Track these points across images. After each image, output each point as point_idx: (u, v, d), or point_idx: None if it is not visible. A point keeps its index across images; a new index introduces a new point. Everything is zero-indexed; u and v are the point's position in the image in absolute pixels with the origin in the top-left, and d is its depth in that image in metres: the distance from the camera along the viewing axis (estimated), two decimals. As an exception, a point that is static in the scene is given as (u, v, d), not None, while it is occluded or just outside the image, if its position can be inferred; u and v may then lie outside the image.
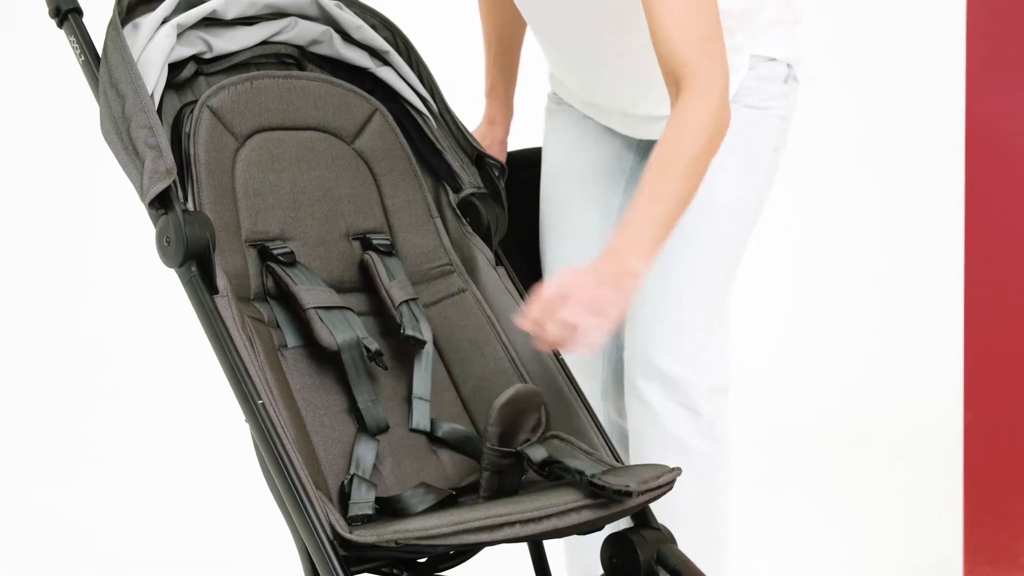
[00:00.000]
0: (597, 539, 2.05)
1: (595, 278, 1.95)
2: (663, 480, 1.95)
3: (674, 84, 2.04)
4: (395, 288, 2.11)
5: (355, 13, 2.22)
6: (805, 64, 2.39)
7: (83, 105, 2.44)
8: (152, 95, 1.98)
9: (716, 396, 2.33)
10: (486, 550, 1.91)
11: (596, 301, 1.93)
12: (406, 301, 2.11)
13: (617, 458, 2.06)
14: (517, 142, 2.54)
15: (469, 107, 2.46)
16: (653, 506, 2.02)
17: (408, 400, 2.11)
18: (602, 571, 2.01)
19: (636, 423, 2.33)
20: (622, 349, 2.43)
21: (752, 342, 4.49)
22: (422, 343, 2.10)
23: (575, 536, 2.21)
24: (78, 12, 2.07)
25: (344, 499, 1.96)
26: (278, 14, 2.17)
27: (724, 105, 2.04)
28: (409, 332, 2.08)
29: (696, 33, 2.03)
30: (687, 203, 2.04)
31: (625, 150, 2.43)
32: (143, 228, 2.13)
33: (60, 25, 2.08)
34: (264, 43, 2.17)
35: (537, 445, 1.95)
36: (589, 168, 2.44)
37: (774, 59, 2.33)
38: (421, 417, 2.10)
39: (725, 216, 2.30)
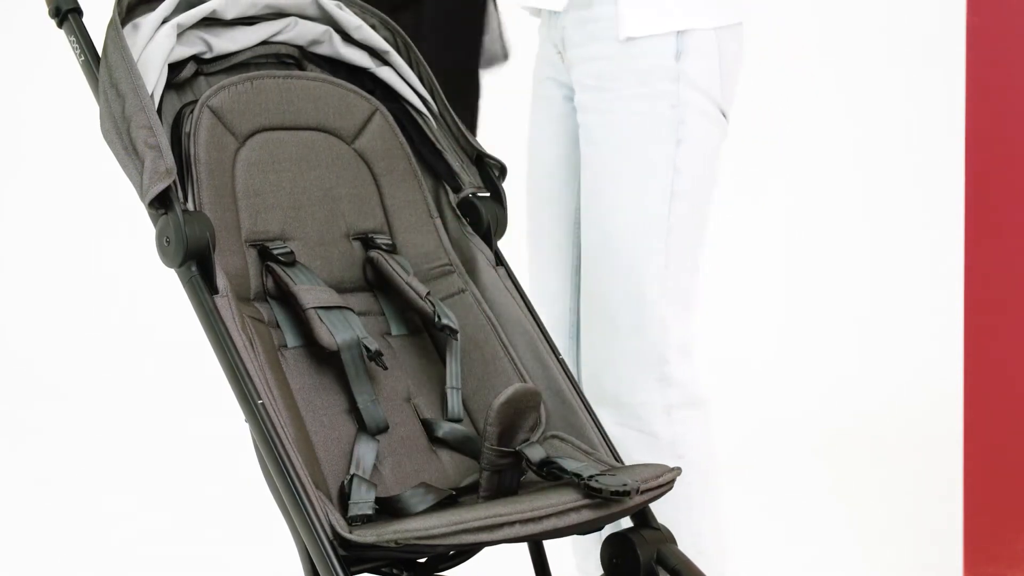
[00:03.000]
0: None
1: None
2: (662, 480, 1.95)
3: None
4: (415, 282, 2.12)
5: (355, 13, 2.22)
6: (709, 30, 2.21)
7: (83, 105, 2.44)
8: (152, 95, 1.98)
9: (679, 413, 2.28)
10: (486, 550, 1.91)
11: None
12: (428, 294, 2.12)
13: (617, 458, 2.06)
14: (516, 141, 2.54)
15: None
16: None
17: (408, 400, 2.11)
18: (602, 571, 2.01)
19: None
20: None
21: (750, 342, 4.49)
22: (455, 332, 2.11)
23: (581, 536, 2.21)
24: (78, 12, 2.07)
25: (344, 499, 1.96)
26: (278, 14, 2.17)
27: None
28: (445, 321, 2.10)
29: None
30: None
31: (572, 146, 2.38)
32: (143, 228, 2.13)
33: (60, 25, 2.08)
34: (264, 43, 2.17)
35: (536, 445, 1.95)
36: (542, 165, 2.42)
37: (652, 34, 2.19)
38: (456, 406, 2.11)
39: (637, 228, 2.23)
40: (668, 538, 2.00)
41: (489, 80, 2.43)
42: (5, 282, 4.69)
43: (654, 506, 2.03)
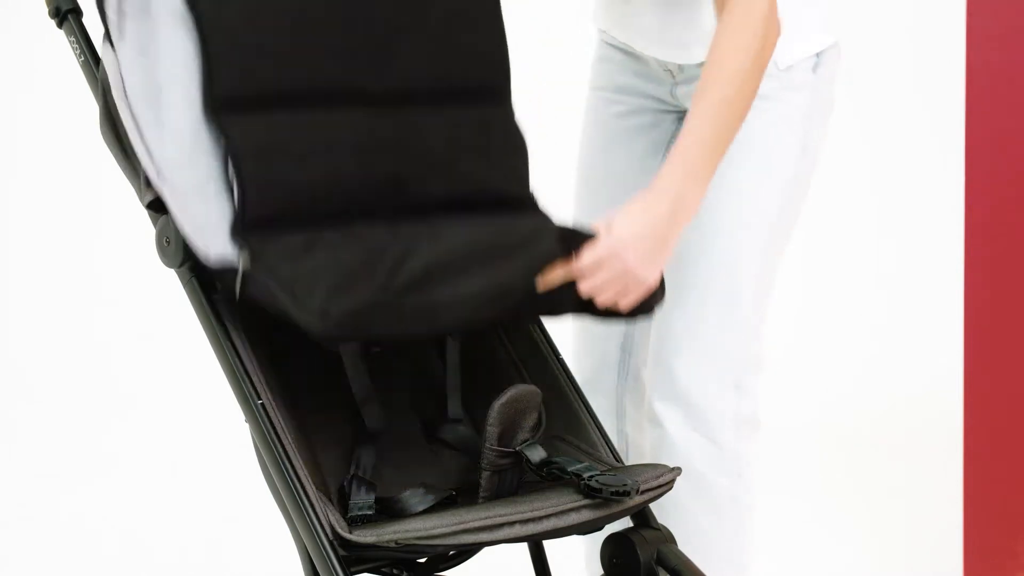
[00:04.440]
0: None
1: (647, 221, 1.89)
2: (662, 480, 1.95)
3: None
4: None
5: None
6: (837, 56, 2.28)
7: (82, 105, 2.44)
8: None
9: (745, 429, 2.22)
10: (486, 550, 1.91)
11: (650, 249, 1.88)
12: None
13: (617, 458, 2.06)
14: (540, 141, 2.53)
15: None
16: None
17: (408, 400, 2.11)
18: (602, 571, 2.01)
19: (651, 447, 2.24)
20: (632, 355, 2.40)
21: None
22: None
23: (590, 536, 2.20)
24: (78, 12, 2.07)
25: (344, 499, 1.96)
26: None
27: (774, 12, 1.96)
28: None
29: None
30: (741, 118, 1.95)
31: (652, 155, 2.36)
32: (143, 228, 2.13)
33: (60, 25, 2.08)
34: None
35: (536, 445, 1.95)
36: (614, 175, 2.38)
37: (802, 59, 2.23)
38: (456, 406, 2.10)
39: (743, 226, 2.20)
40: (668, 538, 2.00)
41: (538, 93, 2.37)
42: (3, 283, 4.69)
43: (699, 522, 2.03)
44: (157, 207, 1.94)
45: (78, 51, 2.06)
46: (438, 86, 2.02)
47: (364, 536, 1.79)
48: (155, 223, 1.95)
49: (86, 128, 2.53)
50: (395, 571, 1.94)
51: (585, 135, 2.42)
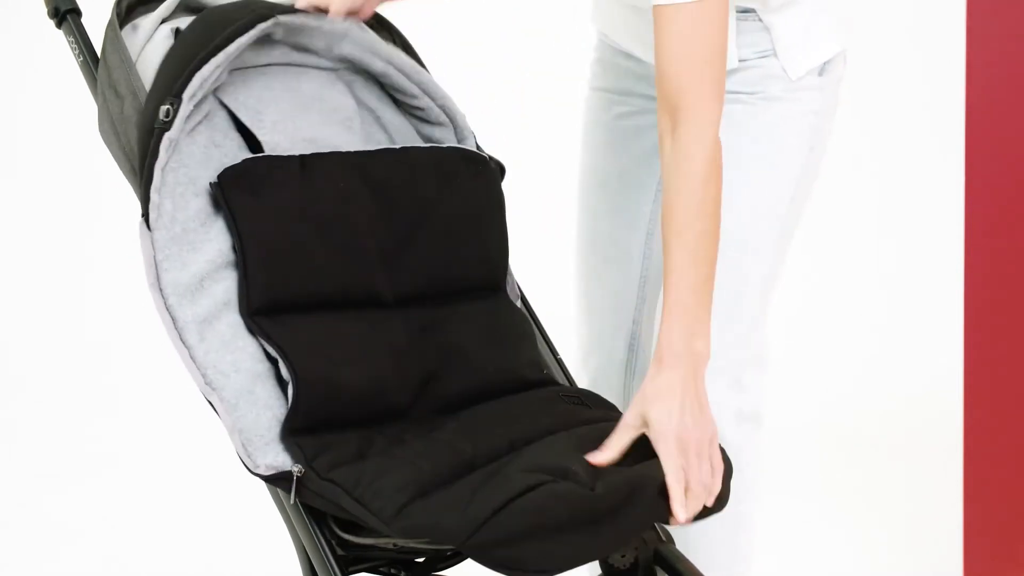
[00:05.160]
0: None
1: (675, 396, 1.88)
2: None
3: (670, 113, 1.96)
4: None
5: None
6: (843, 62, 2.30)
7: (82, 105, 2.44)
8: (151, 96, 1.98)
9: (745, 425, 2.23)
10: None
11: (695, 416, 1.88)
12: None
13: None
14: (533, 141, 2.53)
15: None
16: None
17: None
18: (600, 571, 2.01)
19: None
20: (639, 355, 2.40)
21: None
22: None
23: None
24: (77, 13, 2.08)
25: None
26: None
27: (718, 137, 1.96)
28: None
29: (701, 66, 1.95)
30: (716, 249, 1.95)
31: (653, 156, 2.36)
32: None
33: (59, 26, 2.08)
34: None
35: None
36: (615, 175, 2.39)
37: (810, 69, 2.25)
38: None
39: (751, 222, 2.21)
40: (666, 538, 1.99)
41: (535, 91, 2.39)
42: (2, 283, 4.69)
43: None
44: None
45: (77, 51, 2.06)
46: (445, 288, 2.05)
47: (363, 536, 1.79)
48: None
49: (85, 128, 2.53)
50: (393, 571, 1.93)
51: (586, 136, 2.42)
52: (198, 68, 1.90)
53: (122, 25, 2.03)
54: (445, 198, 2.07)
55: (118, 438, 4.02)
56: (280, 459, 1.81)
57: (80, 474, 3.79)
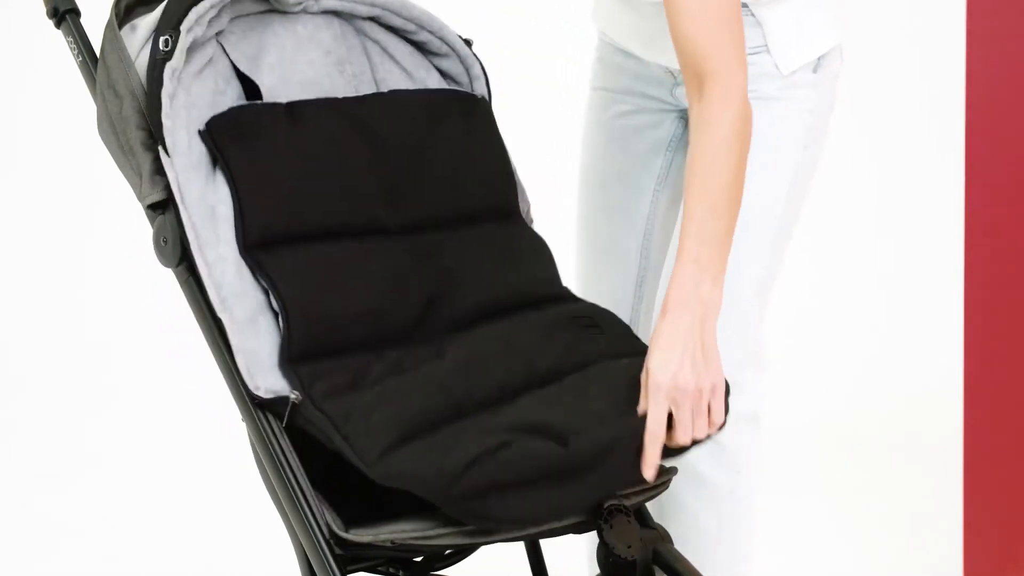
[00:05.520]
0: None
1: (677, 343, 1.86)
2: (658, 480, 1.94)
3: (696, 80, 1.96)
4: None
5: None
6: (838, 56, 2.29)
7: (81, 105, 2.45)
8: (150, 96, 1.98)
9: (744, 426, 2.22)
10: (482, 549, 1.91)
11: (694, 362, 1.86)
12: None
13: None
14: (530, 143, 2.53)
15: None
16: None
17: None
18: (598, 571, 2.01)
19: None
20: None
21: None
22: None
23: (587, 535, 2.19)
24: (76, 13, 2.08)
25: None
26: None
27: (747, 99, 1.97)
28: None
29: (720, 26, 1.95)
30: (739, 206, 1.95)
31: (653, 154, 2.36)
32: (141, 228, 2.13)
33: (58, 26, 2.08)
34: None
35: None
36: (613, 175, 2.38)
37: (804, 64, 2.24)
38: None
39: (745, 222, 2.15)
40: (664, 537, 1.99)
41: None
42: (5, 283, 4.69)
43: (699, 520, 2.01)
44: (156, 207, 1.94)
45: (76, 51, 2.06)
46: (450, 214, 2.07)
47: (360, 535, 1.80)
48: (152, 222, 1.95)
49: (85, 128, 2.53)
50: (391, 570, 1.94)
51: (586, 135, 2.42)
52: (195, 3, 1.96)
53: (121, 25, 2.03)
54: (439, 138, 2.09)
55: (117, 438, 4.03)
56: (279, 384, 1.85)
57: (79, 474, 3.79)
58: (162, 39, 1.93)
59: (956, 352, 2.93)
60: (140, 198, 1.96)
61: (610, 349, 2.00)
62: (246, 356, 1.86)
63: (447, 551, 1.95)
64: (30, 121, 4.71)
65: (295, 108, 2.01)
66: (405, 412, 1.82)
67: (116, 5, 2.04)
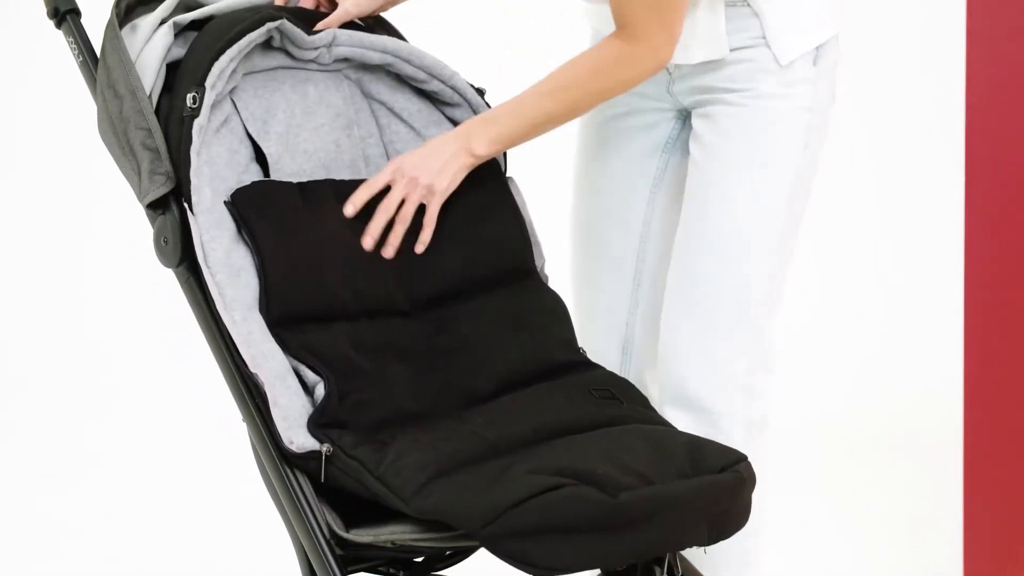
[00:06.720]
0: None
1: (428, 144, 2.06)
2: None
3: (625, 32, 2.08)
4: None
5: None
6: (836, 46, 2.27)
7: (81, 105, 2.45)
8: (150, 96, 1.98)
9: (754, 432, 2.21)
10: (483, 549, 1.90)
11: (426, 157, 2.04)
12: None
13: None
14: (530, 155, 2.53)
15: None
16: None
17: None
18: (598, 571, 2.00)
19: None
20: (633, 358, 2.39)
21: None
22: None
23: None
24: (76, 13, 2.08)
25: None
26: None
27: (669, 57, 2.09)
28: None
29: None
30: (557, 121, 2.09)
31: (648, 157, 2.34)
32: (140, 227, 2.13)
33: (58, 26, 2.08)
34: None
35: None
36: (607, 178, 2.37)
37: (803, 53, 2.22)
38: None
39: (750, 224, 2.19)
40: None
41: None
42: (5, 283, 4.69)
43: None
44: (156, 206, 1.94)
45: (76, 52, 2.06)
46: (466, 286, 2.08)
47: (361, 536, 1.80)
48: (153, 222, 1.96)
49: (85, 128, 2.53)
50: (392, 570, 1.94)
51: (582, 136, 2.41)
52: (216, 58, 1.96)
53: (121, 25, 2.03)
54: (450, 204, 2.08)
55: (117, 438, 4.03)
56: (310, 442, 1.85)
57: (79, 474, 3.79)
58: (189, 96, 1.93)
59: (956, 352, 2.93)
60: (140, 197, 1.96)
61: (635, 414, 2.00)
62: (282, 411, 1.86)
63: (447, 551, 1.95)
64: (30, 121, 4.71)
65: (306, 189, 2.03)
66: (440, 452, 1.81)
67: (116, 5, 2.04)
